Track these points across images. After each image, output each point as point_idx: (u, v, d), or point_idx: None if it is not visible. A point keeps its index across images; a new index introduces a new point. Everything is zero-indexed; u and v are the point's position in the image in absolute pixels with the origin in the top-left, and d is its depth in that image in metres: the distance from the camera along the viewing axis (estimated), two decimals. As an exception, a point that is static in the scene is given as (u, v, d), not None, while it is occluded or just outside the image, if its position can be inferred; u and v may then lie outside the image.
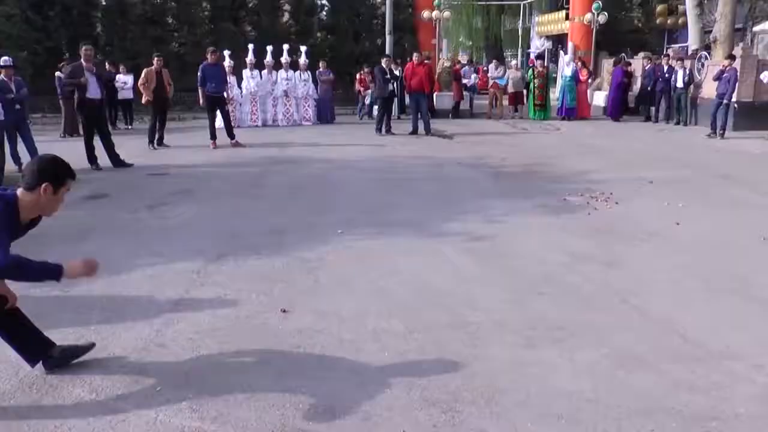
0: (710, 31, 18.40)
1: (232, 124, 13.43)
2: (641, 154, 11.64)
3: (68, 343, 3.67)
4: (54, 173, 3.09)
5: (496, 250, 5.76)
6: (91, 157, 10.17)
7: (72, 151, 11.33)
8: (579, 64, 18.41)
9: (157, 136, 12.66)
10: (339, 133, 15.14)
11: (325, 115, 17.36)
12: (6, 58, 10.11)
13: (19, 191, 3.05)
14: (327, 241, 5.99)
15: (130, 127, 16.36)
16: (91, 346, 3.68)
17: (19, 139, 9.92)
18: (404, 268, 5.25)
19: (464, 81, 18.51)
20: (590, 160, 10.92)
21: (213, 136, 12.60)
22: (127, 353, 3.73)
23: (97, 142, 10.23)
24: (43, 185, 3.02)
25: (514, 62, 20.53)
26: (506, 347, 3.81)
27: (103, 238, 6.16)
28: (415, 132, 14.59)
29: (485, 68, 20.50)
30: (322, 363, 3.61)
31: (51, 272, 3.09)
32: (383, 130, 14.65)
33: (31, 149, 9.97)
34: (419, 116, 14.64)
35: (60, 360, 3.52)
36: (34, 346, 3.47)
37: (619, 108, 17.71)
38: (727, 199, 7.83)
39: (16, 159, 9.85)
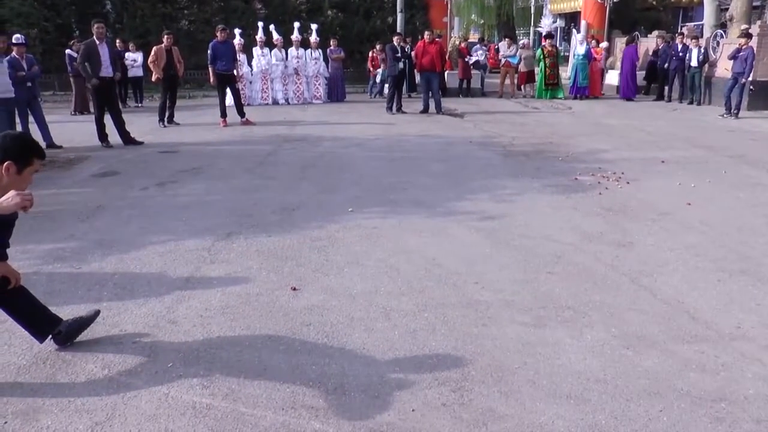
0: (726, 9, 18.12)
1: (243, 102, 13.42)
2: (653, 133, 11.54)
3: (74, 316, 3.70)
4: (19, 152, 2.92)
5: (506, 229, 5.75)
6: (102, 135, 10.20)
7: (83, 129, 11.42)
8: (593, 42, 18.23)
9: (167, 114, 12.66)
10: (349, 111, 15.09)
11: (335, 94, 17.30)
12: (18, 35, 10.14)
13: None
14: (337, 220, 6.00)
15: (140, 104, 16.37)
16: (96, 314, 3.71)
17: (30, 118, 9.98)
18: (414, 246, 5.26)
19: (467, 58, 18.28)
20: (602, 139, 10.85)
21: (223, 114, 12.60)
22: (139, 330, 3.76)
23: (108, 119, 10.25)
24: (6, 163, 2.85)
25: (525, 41, 20.33)
26: (516, 326, 3.82)
27: (113, 216, 6.19)
28: (425, 111, 14.52)
29: (496, 47, 20.29)
30: (332, 341, 3.63)
31: None
32: (394, 108, 14.58)
33: (42, 126, 10.03)
34: (430, 95, 14.56)
35: (68, 334, 3.55)
36: (41, 323, 3.50)
37: (635, 87, 17.50)
38: (740, 179, 7.76)
39: (28, 136, 9.90)
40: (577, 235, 5.56)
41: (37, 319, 3.48)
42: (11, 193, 2.79)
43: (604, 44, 18.06)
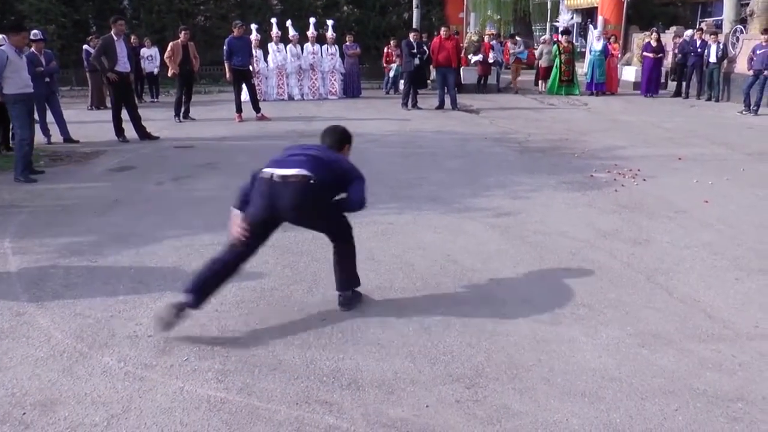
0: (747, 4, 17.89)
1: (258, 97, 13.44)
2: (670, 130, 11.44)
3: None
4: (350, 138, 4.24)
5: (522, 226, 5.72)
6: (119, 130, 10.26)
7: (99, 124, 11.50)
8: (612, 38, 18.10)
9: (183, 109, 12.72)
10: (365, 107, 15.08)
11: (350, 89, 17.28)
12: (36, 31, 10.20)
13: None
14: (352, 216, 5.97)
15: (156, 100, 16.45)
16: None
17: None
18: (429, 242, 5.25)
19: (475, 57, 18.18)
20: (618, 136, 10.76)
21: (239, 110, 12.64)
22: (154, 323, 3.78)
23: (124, 115, 10.30)
24: (346, 146, 4.17)
25: (545, 36, 20.28)
26: (530, 323, 3.80)
27: (129, 210, 6.23)
28: (441, 107, 14.47)
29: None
30: (347, 336, 3.64)
31: None
32: (409, 104, 14.55)
33: (60, 121, 10.11)
34: (445, 90, 14.51)
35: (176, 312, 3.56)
36: (202, 287, 3.66)
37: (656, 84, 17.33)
38: (759, 177, 7.67)
39: (46, 132, 9.99)
40: (592, 232, 5.53)
41: (206, 285, 3.68)
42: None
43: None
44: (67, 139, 10.06)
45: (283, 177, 3.62)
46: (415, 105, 14.56)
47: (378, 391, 3.07)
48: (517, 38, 19.62)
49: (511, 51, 18.54)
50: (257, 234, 3.77)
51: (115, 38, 9.98)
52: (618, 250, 5.10)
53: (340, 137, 4.13)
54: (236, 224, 3.75)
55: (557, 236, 5.44)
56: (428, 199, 6.63)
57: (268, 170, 3.72)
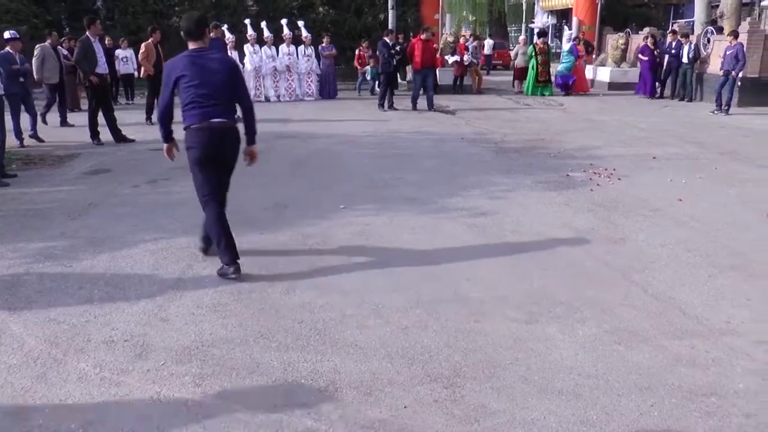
0: (717, 6, 18.18)
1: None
2: (645, 130, 11.58)
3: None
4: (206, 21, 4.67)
5: (498, 225, 5.76)
6: (94, 132, 10.14)
7: (74, 126, 11.34)
8: (577, 39, 18.39)
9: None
10: (341, 108, 15.07)
11: (327, 91, 17.25)
12: (12, 31, 10.06)
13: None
14: (329, 217, 5.99)
15: (131, 102, 16.28)
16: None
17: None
18: (406, 243, 5.26)
19: (452, 58, 18.28)
20: (593, 135, 10.87)
21: (214, 111, 12.53)
22: (131, 328, 3.75)
23: (100, 117, 10.18)
24: (206, 30, 4.54)
25: (522, 37, 20.47)
26: (508, 323, 3.82)
27: (104, 214, 6.16)
28: (415, 107, 14.50)
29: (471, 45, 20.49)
30: (324, 338, 3.63)
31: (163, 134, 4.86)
32: (386, 105, 14.56)
33: (32, 121, 10.01)
34: (421, 92, 14.52)
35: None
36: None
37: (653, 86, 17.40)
38: (731, 175, 7.80)
39: (19, 134, 9.82)
40: (569, 231, 5.58)
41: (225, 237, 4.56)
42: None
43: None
44: (33, 135, 10.03)
45: (220, 122, 4.47)
46: (391, 106, 14.58)
47: (356, 393, 3.07)
48: (484, 43, 19.92)
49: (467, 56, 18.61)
50: (210, 168, 4.62)
51: (92, 39, 9.88)
52: (594, 248, 5.15)
53: (203, 24, 4.51)
54: (171, 152, 5.01)
55: (533, 235, 5.48)
56: (405, 199, 6.64)
57: (202, 124, 4.47)
